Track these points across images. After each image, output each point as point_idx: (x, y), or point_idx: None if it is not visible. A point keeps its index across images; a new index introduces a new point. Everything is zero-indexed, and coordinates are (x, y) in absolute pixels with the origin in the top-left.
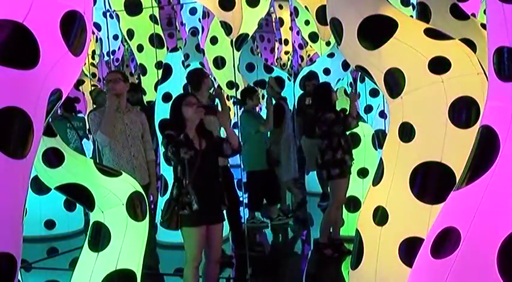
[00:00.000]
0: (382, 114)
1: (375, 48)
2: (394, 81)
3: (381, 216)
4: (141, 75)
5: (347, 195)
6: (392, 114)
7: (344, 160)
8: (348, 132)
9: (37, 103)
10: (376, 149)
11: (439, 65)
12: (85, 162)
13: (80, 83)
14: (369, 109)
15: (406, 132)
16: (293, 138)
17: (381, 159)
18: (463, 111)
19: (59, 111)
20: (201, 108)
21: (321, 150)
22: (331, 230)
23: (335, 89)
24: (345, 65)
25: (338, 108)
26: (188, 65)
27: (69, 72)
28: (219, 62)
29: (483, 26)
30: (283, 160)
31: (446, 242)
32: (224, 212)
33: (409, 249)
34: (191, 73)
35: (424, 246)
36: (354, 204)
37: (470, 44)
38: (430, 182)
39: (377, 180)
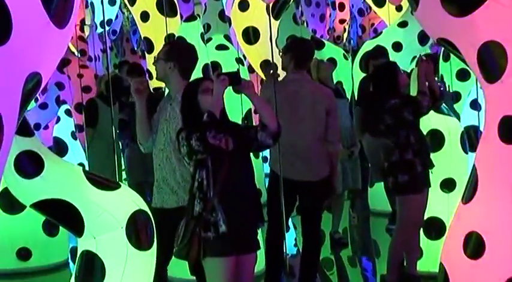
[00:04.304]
0: (475, 105)
1: (466, 14)
2: (492, 60)
3: (475, 245)
4: (146, 53)
5: (425, 216)
6: (490, 105)
7: (414, 163)
8: (422, 126)
9: (7, 91)
10: (466, 153)
11: None
12: (71, 170)
13: (64, 63)
14: (456, 97)
15: (509, 130)
16: (351, 137)
17: (473, 166)
18: None
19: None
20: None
21: (386, 151)
22: (404, 263)
23: (409, 70)
24: (423, 38)
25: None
26: (209, 39)
27: (51, 50)
28: (251, 35)
29: None
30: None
31: None
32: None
33: None
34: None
35: None
36: (436, 229)
37: None
38: None
39: (469, 195)
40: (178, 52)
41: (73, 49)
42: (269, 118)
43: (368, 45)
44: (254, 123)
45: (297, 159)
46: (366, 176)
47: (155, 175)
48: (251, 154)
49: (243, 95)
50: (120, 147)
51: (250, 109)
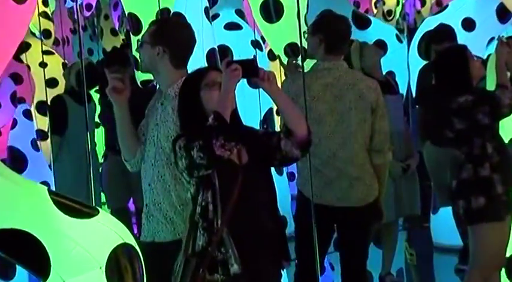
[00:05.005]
0: None
1: None
2: None
3: None
4: (131, 35)
5: (508, 252)
6: None
7: (492, 182)
8: (503, 132)
9: None
10: None
11: None
12: (32, 190)
13: (22, 48)
14: None
15: None
16: (406, 146)
17: None
18: None
19: None
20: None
21: (455, 165)
22: None
23: (485, 56)
24: (503, 13)
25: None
26: (216, 15)
27: (7, 32)
28: (272, 9)
29: None
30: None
31: None
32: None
33: None
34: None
35: None
36: None
37: None
38: None
39: None
40: (169, 33)
41: (34, 29)
42: (296, 121)
43: (429, 24)
44: (276, 129)
45: (334, 177)
46: (427, 199)
47: (144, 198)
48: (272, 169)
49: (261, 90)
50: (99, 160)
51: (270, 109)
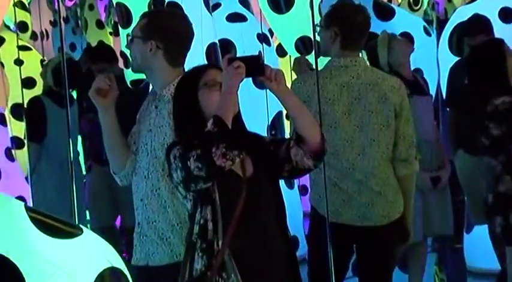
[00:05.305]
0: None
1: None
2: None
3: None
4: (119, 27)
5: None
6: None
7: None
8: None
9: None
10: None
11: None
12: (7, 207)
13: None
14: None
15: None
16: (436, 155)
17: None
18: None
19: None
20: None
21: (491, 177)
22: None
23: None
24: None
25: None
26: (217, 5)
27: None
28: None
29: None
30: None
31: None
32: None
33: None
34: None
35: None
36: None
37: None
38: None
39: None
40: (163, 25)
41: (8, 22)
42: (308, 127)
43: (462, 14)
44: (286, 135)
45: (354, 192)
46: (459, 216)
47: (136, 216)
48: (282, 182)
49: (268, 91)
50: (83, 171)
51: (279, 113)
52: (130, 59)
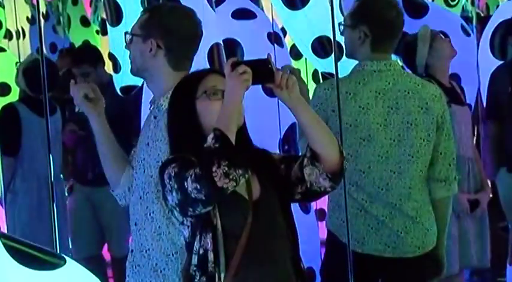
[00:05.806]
0: None
1: None
2: None
3: None
4: (108, 25)
5: None
6: None
7: None
8: None
9: None
10: None
11: None
12: None
13: None
14: None
15: None
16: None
17: None
18: None
19: None
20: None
21: None
22: None
23: None
24: None
25: None
26: (221, 0)
27: None
28: None
29: None
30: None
31: None
32: None
33: None
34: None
35: None
36: None
37: None
38: None
39: None
40: (166, 22)
41: None
42: (325, 142)
43: (505, 10)
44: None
45: (385, 217)
46: (501, 246)
47: (130, 242)
48: (295, 206)
49: (279, 100)
50: (64, 192)
51: (293, 124)
52: (130, 61)
